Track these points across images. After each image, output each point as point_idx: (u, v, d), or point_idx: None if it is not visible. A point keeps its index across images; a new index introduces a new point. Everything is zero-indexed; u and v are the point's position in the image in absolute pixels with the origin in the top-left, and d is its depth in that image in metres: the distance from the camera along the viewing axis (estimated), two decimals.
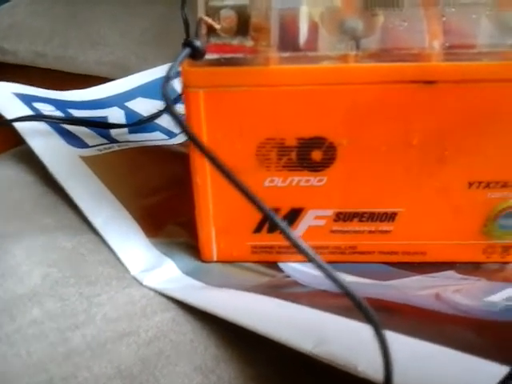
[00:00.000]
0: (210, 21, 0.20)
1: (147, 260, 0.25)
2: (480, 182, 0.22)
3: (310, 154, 0.22)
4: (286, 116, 0.21)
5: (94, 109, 0.36)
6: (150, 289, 0.23)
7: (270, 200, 0.23)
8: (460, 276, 0.23)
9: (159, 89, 0.14)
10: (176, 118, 0.13)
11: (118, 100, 0.37)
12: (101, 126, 0.32)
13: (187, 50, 0.16)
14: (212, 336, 0.19)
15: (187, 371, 0.18)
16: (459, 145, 0.21)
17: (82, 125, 0.31)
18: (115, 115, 0.36)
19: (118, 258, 0.25)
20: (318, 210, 0.24)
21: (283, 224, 0.13)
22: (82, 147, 0.30)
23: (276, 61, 0.20)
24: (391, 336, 0.16)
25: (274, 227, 0.24)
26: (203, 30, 0.20)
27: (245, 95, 0.20)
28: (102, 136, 0.32)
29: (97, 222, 0.26)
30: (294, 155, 0.22)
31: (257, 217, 0.24)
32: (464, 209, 0.23)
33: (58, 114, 0.33)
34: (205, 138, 0.21)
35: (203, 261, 0.25)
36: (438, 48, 0.20)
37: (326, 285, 0.23)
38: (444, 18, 0.20)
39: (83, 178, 0.28)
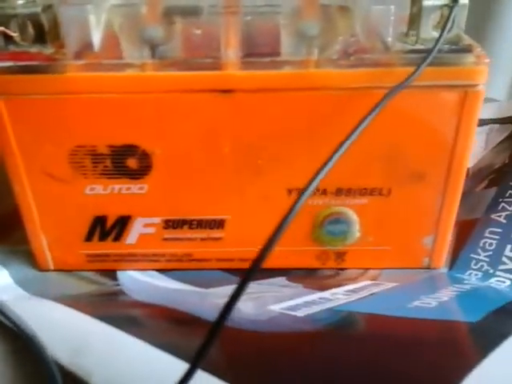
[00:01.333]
0: (2, 29, 0.19)
1: None
2: (299, 190, 0.23)
3: (125, 162, 0.22)
4: (91, 124, 0.21)
5: None
6: None
7: (95, 208, 0.23)
8: (285, 283, 0.24)
9: None
10: None
11: None
12: None
13: None
14: None
15: None
16: (270, 153, 0.22)
17: None
18: None
19: None
20: (146, 217, 0.23)
21: None
22: None
23: (73, 68, 0.20)
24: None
25: (104, 235, 0.24)
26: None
27: (45, 103, 0.20)
28: None
29: None
30: (109, 163, 0.22)
31: (85, 225, 0.24)
32: None
33: None
34: (14, 146, 0.21)
35: (40, 270, 0.25)
36: (234, 57, 0.20)
37: (143, 295, 0.23)
38: (243, 27, 0.20)
39: None
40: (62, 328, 0.18)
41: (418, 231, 0.24)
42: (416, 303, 0.19)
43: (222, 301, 0.22)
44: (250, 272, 0.13)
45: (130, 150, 0.21)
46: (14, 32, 0.20)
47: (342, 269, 0.25)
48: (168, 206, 0.23)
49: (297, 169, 0.22)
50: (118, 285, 0.24)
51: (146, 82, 0.20)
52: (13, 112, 0.20)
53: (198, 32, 0.20)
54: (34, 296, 0.23)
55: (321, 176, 0.16)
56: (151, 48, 0.20)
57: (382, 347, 0.16)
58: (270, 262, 0.25)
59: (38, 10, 0.19)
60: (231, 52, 0.20)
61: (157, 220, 0.23)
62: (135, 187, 0.22)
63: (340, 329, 0.18)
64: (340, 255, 0.25)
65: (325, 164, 0.16)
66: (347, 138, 0.18)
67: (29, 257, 0.25)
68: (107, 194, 0.23)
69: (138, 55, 0.20)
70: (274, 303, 0.20)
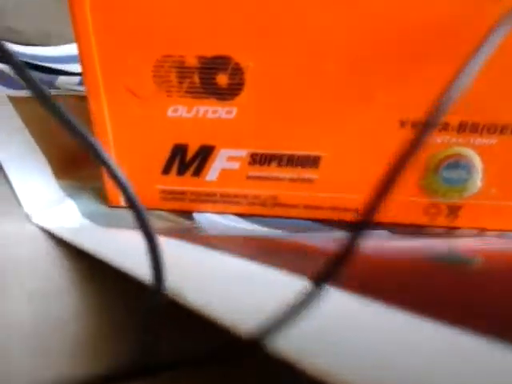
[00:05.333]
0: None
1: (47, 199, 0.22)
2: (414, 122, 0.19)
3: (215, 78, 0.19)
4: (181, 26, 0.18)
5: (49, 62, 0.34)
6: (39, 227, 0.21)
7: (176, 134, 0.21)
8: (389, 235, 0.20)
9: None
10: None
11: None
12: (44, 70, 0.31)
13: None
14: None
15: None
16: (385, 70, 0.18)
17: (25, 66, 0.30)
18: (72, 69, 0.34)
19: (15, 195, 0.23)
20: (231, 149, 0.21)
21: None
22: (14, 88, 0.29)
23: None
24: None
25: (183, 168, 0.21)
26: None
27: None
28: (44, 82, 0.30)
29: (2, 155, 0.24)
30: (196, 78, 0.19)
31: (164, 154, 0.21)
32: None
33: None
34: (95, 52, 0.19)
35: (110, 206, 0.23)
36: None
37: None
38: None
39: (2, 114, 0.26)
40: (134, 247, 0.16)
41: None
42: None
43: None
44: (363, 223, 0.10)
45: (221, 62, 0.19)
46: None
47: (453, 228, 0.21)
48: (257, 136, 0.20)
49: (417, 93, 0.18)
50: (197, 225, 0.21)
51: None
52: (97, 8, 0.18)
53: None
54: (103, 227, 0.21)
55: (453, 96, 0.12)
56: None
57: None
58: None
59: None
60: None
61: (243, 153, 0.21)
62: (223, 110, 0.20)
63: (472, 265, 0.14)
64: (454, 210, 0.21)
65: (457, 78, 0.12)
66: (482, 47, 0.14)
67: (98, 194, 0.23)
68: (191, 117, 0.20)
69: None
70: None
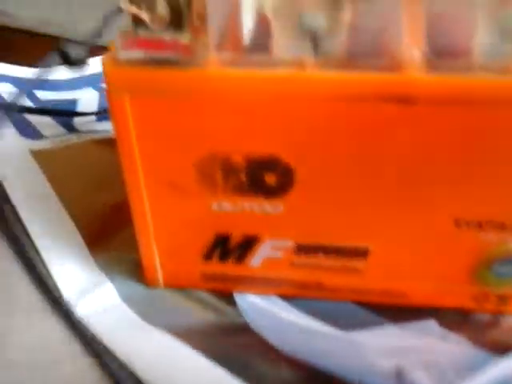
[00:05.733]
0: (134, 10, 0.16)
1: (84, 280, 0.22)
2: (470, 221, 0.18)
3: (263, 177, 0.18)
4: (228, 130, 0.17)
5: (63, 90, 0.32)
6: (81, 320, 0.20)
7: (220, 225, 0.20)
8: (439, 331, 0.19)
9: None
10: None
11: (94, 80, 0.34)
12: (60, 114, 0.29)
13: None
14: None
15: None
16: (443, 176, 0.17)
17: (38, 113, 0.28)
18: (88, 98, 0.33)
19: (51, 276, 0.22)
20: (276, 240, 0.20)
21: None
22: (35, 138, 0.27)
23: (215, 63, 0.16)
24: None
25: (226, 255, 0.21)
26: (129, 21, 0.16)
27: (178, 102, 0.17)
28: (62, 125, 0.29)
29: (32, 229, 0.23)
30: (243, 177, 0.18)
31: (206, 241, 0.20)
32: (450, 251, 0.19)
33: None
34: (136, 152, 0.18)
35: (148, 286, 0.22)
36: (419, 57, 0.15)
37: (268, 331, 0.20)
38: (427, 19, 0.16)
39: (27, 176, 0.25)
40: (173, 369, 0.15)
41: None
42: None
43: (383, 363, 0.18)
44: None
45: (270, 163, 0.18)
46: (148, 13, 0.16)
47: (499, 314, 0.21)
48: (303, 229, 0.19)
49: (473, 196, 0.18)
50: (239, 313, 0.21)
51: (302, 84, 0.16)
52: (138, 111, 0.17)
53: (372, 22, 0.16)
54: (145, 321, 0.20)
55: None
56: (312, 40, 0.16)
57: None
58: (417, 299, 0.21)
59: None
60: (415, 50, 0.15)
61: (288, 243, 0.20)
62: (269, 206, 0.19)
63: None
64: (503, 298, 0.20)
65: None
66: None
67: (134, 268, 0.23)
68: (236, 211, 0.19)
69: (295, 49, 0.16)
70: (455, 376, 0.16)
